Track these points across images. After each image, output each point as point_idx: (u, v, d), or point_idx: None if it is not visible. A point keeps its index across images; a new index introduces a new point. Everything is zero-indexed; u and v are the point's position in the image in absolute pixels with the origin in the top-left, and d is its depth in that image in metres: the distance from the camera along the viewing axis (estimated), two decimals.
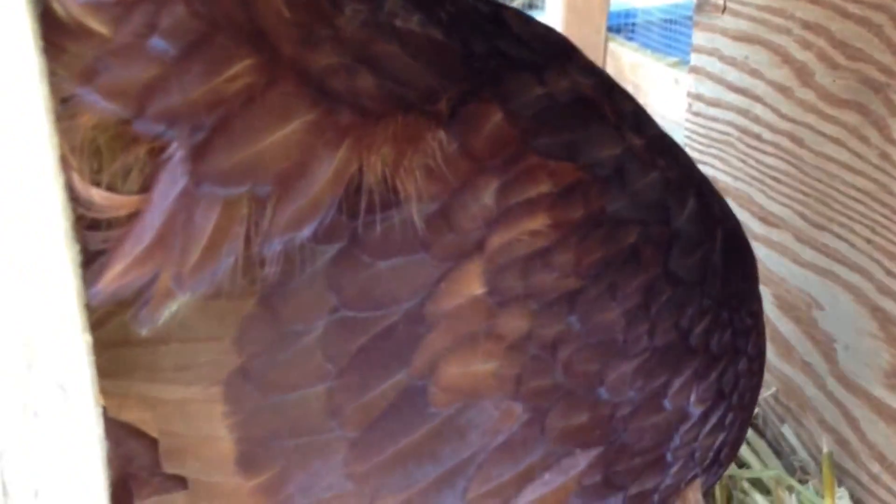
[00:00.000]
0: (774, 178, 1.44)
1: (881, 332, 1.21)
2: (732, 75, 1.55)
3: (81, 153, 0.63)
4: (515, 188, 0.73)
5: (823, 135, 1.31)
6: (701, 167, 1.62)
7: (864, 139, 1.23)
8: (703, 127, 1.65)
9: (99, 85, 0.61)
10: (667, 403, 0.81)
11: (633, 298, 0.78)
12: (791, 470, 1.36)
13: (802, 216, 1.37)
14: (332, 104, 0.68)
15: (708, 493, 1.24)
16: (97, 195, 0.62)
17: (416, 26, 0.73)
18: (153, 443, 0.72)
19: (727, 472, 1.25)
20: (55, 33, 0.58)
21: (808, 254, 1.36)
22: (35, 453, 0.52)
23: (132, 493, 0.72)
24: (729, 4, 1.55)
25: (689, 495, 0.90)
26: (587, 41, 2.24)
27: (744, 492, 1.31)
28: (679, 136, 1.71)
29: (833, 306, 1.31)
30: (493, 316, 0.73)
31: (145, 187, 0.64)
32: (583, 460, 0.77)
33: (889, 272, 1.19)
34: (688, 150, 1.67)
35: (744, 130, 1.52)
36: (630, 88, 2.44)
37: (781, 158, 1.42)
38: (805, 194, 1.36)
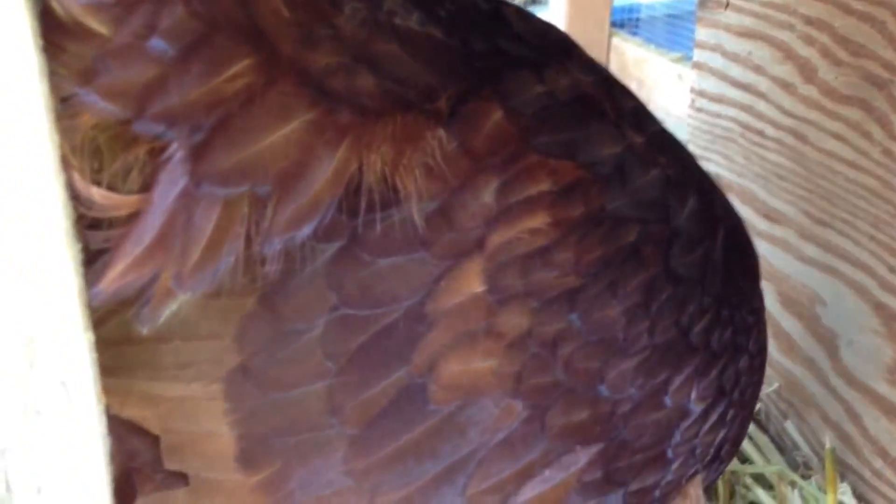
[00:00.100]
0: (777, 175, 1.44)
1: (884, 328, 1.21)
2: (735, 71, 1.54)
3: (82, 153, 0.63)
4: (515, 187, 0.73)
5: (826, 131, 1.31)
6: (704, 163, 1.61)
7: (867, 135, 1.22)
8: (706, 123, 1.65)
9: (98, 85, 0.61)
10: (667, 400, 0.81)
11: (634, 296, 0.77)
12: (794, 465, 1.36)
13: (805, 213, 1.37)
14: (331, 104, 0.67)
15: (710, 489, 1.24)
16: (98, 195, 0.63)
17: (415, 25, 0.73)
18: (155, 440, 0.72)
19: (729, 468, 1.25)
20: (55, 33, 0.59)
21: (811, 250, 1.36)
22: (37, 451, 0.52)
23: (136, 488, 0.72)
24: (732, 0, 1.54)
25: (691, 491, 0.90)
26: (591, 36, 2.24)
27: (746, 487, 1.31)
28: (682, 132, 1.71)
29: (836, 302, 1.31)
30: (493, 314, 0.72)
31: (145, 187, 0.64)
32: (583, 457, 0.77)
33: (892, 268, 1.18)
34: (690, 147, 1.67)
35: (747, 126, 1.52)
36: (634, 84, 2.43)
37: (784, 155, 1.42)
38: (808, 191, 1.36)
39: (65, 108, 0.61)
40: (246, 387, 0.70)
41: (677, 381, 0.81)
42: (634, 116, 0.83)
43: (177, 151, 0.63)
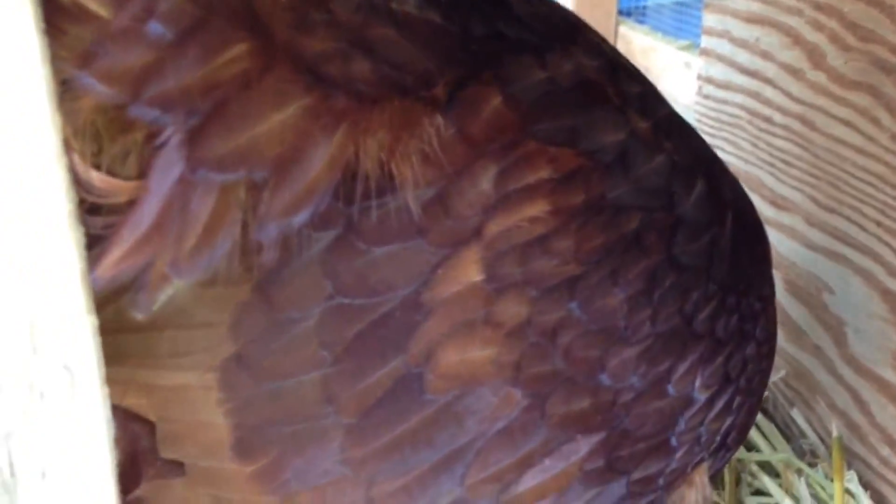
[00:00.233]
0: (785, 161, 1.43)
1: (891, 315, 1.19)
2: (743, 57, 1.53)
3: (82, 136, 0.63)
4: (514, 174, 0.72)
5: (834, 117, 1.30)
6: None
7: (875, 121, 1.21)
8: (714, 110, 1.64)
9: (96, 68, 0.61)
10: (670, 389, 0.80)
11: (636, 284, 0.76)
12: (800, 453, 1.35)
13: (813, 199, 1.36)
14: (327, 89, 0.67)
15: (716, 476, 1.24)
16: (97, 178, 0.62)
17: (413, 9, 0.72)
18: (152, 427, 0.71)
19: (736, 456, 1.24)
20: (55, 15, 0.58)
21: (819, 237, 1.35)
22: (42, 435, 0.52)
23: (141, 473, 0.72)
24: None
25: (696, 479, 0.89)
26: (597, 25, 2.23)
27: (752, 475, 1.30)
28: (689, 120, 1.70)
29: (843, 289, 1.30)
30: (492, 303, 0.72)
31: (143, 172, 0.64)
32: (584, 446, 0.77)
33: None
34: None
35: (754, 113, 1.51)
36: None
37: (792, 141, 1.41)
38: (816, 177, 1.35)
39: (65, 91, 0.60)
40: (241, 376, 0.70)
41: (681, 369, 0.80)
42: (641, 101, 0.82)
43: (173, 136, 0.63)
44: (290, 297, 0.69)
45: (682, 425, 0.83)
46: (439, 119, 0.70)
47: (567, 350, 0.75)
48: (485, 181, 0.71)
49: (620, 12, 2.40)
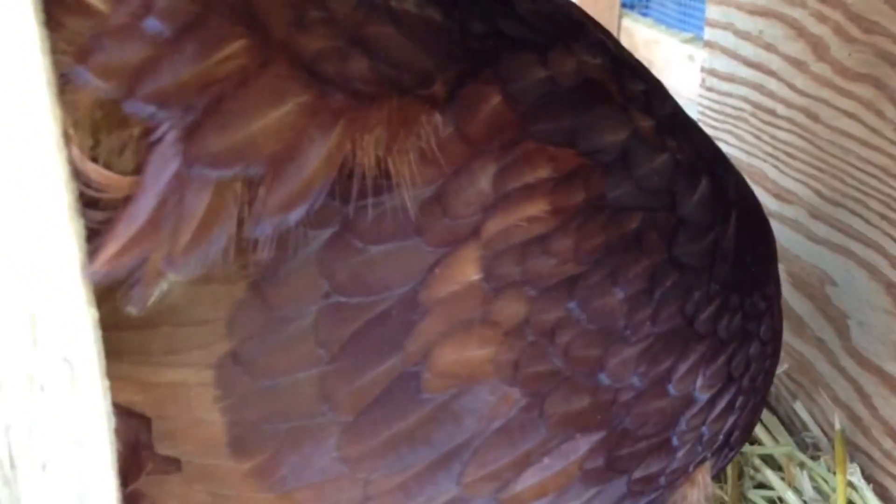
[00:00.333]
0: (788, 154, 1.42)
1: (895, 307, 1.20)
2: (747, 50, 1.52)
3: (79, 130, 0.63)
4: (513, 173, 0.72)
5: (838, 109, 1.29)
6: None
7: (879, 114, 1.20)
8: (717, 102, 1.63)
9: (93, 63, 0.60)
10: (671, 388, 0.79)
11: (636, 284, 0.76)
12: (803, 446, 1.34)
13: (817, 192, 1.35)
14: (325, 87, 0.66)
15: (719, 474, 1.24)
16: (93, 171, 0.62)
17: (412, 7, 0.71)
18: (149, 423, 0.71)
19: None
20: (54, 8, 0.58)
21: (822, 230, 1.34)
22: (42, 427, 0.52)
23: (141, 465, 0.72)
24: None
25: (699, 478, 0.88)
26: (600, 18, 2.22)
27: (755, 468, 1.29)
28: (692, 113, 1.69)
29: (847, 282, 1.29)
30: (490, 302, 0.71)
31: (139, 167, 0.63)
32: (584, 445, 0.76)
33: None
34: (701, 126, 1.65)
35: (758, 105, 1.50)
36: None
37: (796, 134, 1.40)
38: (819, 170, 1.34)
39: (62, 84, 0.60)
40: (237, 373, 0.69)
41: (682, 368, 0.80)
42: (644, 99, 0.81)
43: (169, 132, 0.62)
44: (286, 294, 0.69)
45: (683, 425, 0.82)
46: (437, 117, 0.70)
47: (566, 349, 0.74)
48: (483, 180, 0.71)
49: (623, 5, 2.39)
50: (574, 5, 0.87)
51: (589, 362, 0.75)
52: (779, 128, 1.44)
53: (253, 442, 0.71)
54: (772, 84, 1.45)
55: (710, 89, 1.65)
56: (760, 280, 0.89)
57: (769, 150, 1.47)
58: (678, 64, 2.10)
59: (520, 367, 0.73)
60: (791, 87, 1.40)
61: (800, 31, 1.37)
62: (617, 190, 0.76)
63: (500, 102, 0.72)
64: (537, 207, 0.72)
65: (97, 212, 0.63)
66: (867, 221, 1.24)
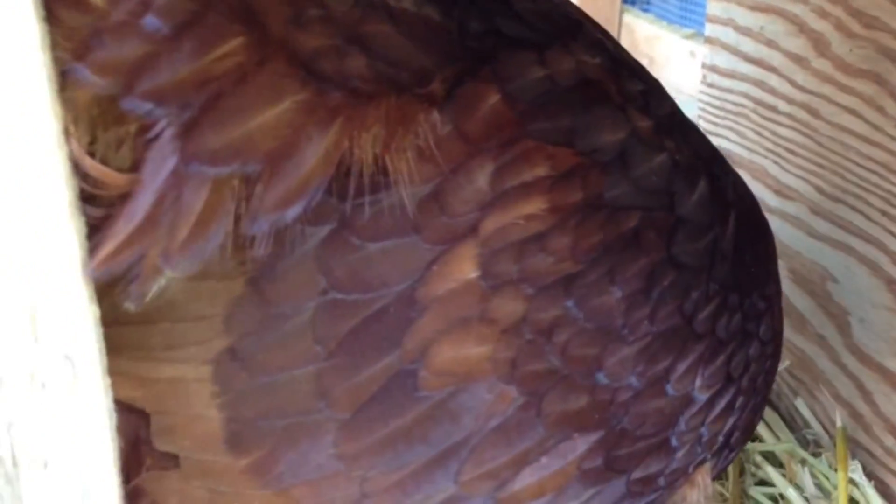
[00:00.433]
0: (789, 150, 1.41)
1: None
2: (747, 46, 1.52)
3: (79, 126, 0.62)
4: (511, 171, 0.72)
5: (839, 105, 1.28)
6: (715, 139, 1.59)
7: (880, 110, 1.19)
8: (718, 98, 1.63)
9: (91, 60, 0.60)
10: (670, 388, 0.79)
11: (634, 283, 0.75)
12: (804, 443, 1.33)
13: (817, 188, 1.35)
14: (322, 84, 0.66)
15: (719, 472, 1.24)
16: (92, 167, 0.62)
17: (410, 6, 0.71)
18: (148, 419, 0.71)
19: None
20: (54, 4, 0.58)
21: (823, 226, 1.34)
22: (43, 425, 0.52)
23: (142, 461, 0.72)
24: None
25: (698, 479, 0.87)
26: (601, 14, 2.21)
27: (756, 465, 1.29)
28: (693, 110, 1.69)
29: (848, 279, 1.29)
30: (487, 300, 0.71)
31: (136, 164, 0.63)
32: (582, 445, 0.76)
33: None
34: (702, 122, 1.65)
35: (759, 102, 1.49)
36: (645, 61, 2.40)
37: (797, 130, 1.39)
38: (820, 166, 1.34)
39: (64, 79, 0.60)
40: (235, 369, 0.70)
41: (680, 368, 0.79)
42: (643, 99, 0.81)
43: (166, 129, 0.62)
44: (283, 291, 0.69)
45: (682, 425, 0.82)
46: (436, 115, 0.70)
47: (563, 348, 0.74)
48: (481, 178, 0.71)
49: (624, 1, 2.38)
50: (572, 4, 0.86)
51: (586, 361, 0.75)
52: (780, 124, 1.43)
53: (250, 438, 0.71)
54: (773, 80, 1.44)
55: (711, 85, 1.65)
56: (760, 280, 0.89)
57: (770, 146, 1.46)
58: (679, 60, 2.09)
59: (517, 366, 0.72)
60: (792, 83, 1.39)
61: (801, 28, 1.36)
62: (615, 189, 0.75)
63: (498, 101, 0.72)
64: (535, 205, 0.72)
65: (95, 208, 0.63)
66: (868, 218, 1.23)
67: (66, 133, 0.49)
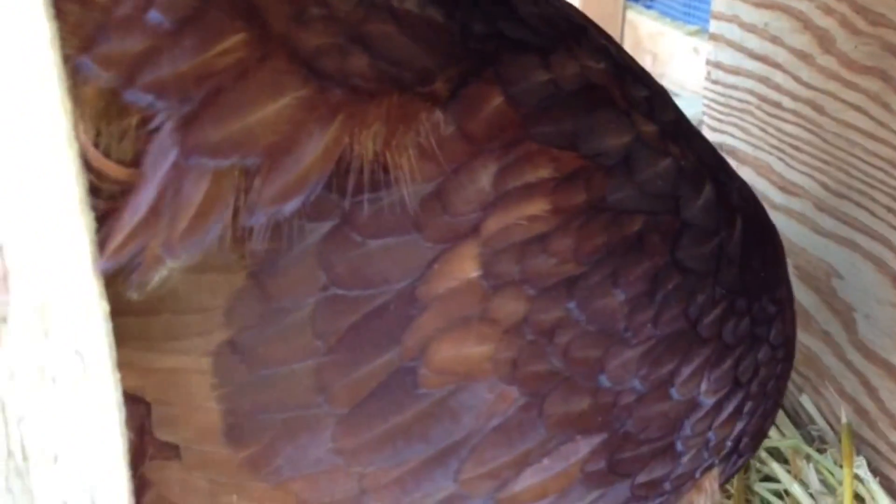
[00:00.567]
0: (794, 147, 1.41)
1: None
2: (752, 42, 1.51)
3: (85, 120, 0.63)
4: (514, 172, 0.71)
5: (844, 102, 1.27)
6: (719, 136, 1.59)
7: (885, 106, 1.18)
8: (723, 95, 1.62)
9: (96, 54, 0.61)
10: (674, 392, 0.78)
11: (637, 286, 0.75)
12: (809, 439, 1.32)
13: (823, 185, 1.34)
14: (324, 82, 0.66)
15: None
16: (96, 160, 0.63)
17: (413, 7, 0.71)
18: (149, 408, 0.72)
19: None
20: (61, 0, 0.58)
21: (829, 223, 1.33)
22: (53, 419, 0.52)
23: (145, 451, 0.73)
24: None
25: (706, 485, 0.86)
26: (605, 11, 2.21)
27: (761, 461, 1.28)
28: (697, 107, 1.69)
29: (853, 275, 1.28)
30: (488, 299, 0.71)
31: (137, 156, 0.64)
32: (584, 447, 0.75)
33: None
34: (706, 119, 1.64)
35: (764, 98, 1.49)
36: (648, 58, 2.39)
37: (802, 126, 1.39)
38: (825, 163, 1.33)
39: (71, 73, 0.60)
40: (235, 362, 0.70)
41: (685, 372, 0.78)
42: (647, 105, 0.80)
43: (167, 122, 0.63)
44: (284, 286, 0.69)
45: (688, 429, 0.81)
46: (438, 115, 0.70)
47: (565, 350, 0.73)
48: (484, 178, 0.71)
49: None
50: (576, 9, 0.85)
51: (588, 363, 0.74)
52: (785, 120, 1.43)
53: (249, 431, 0.71)
54: (777, 77, 1.44)
55: (715, 82, 1.64)
56: (770, 284, 0.88)
57: (775, 142, 1.46)
58: (683, 56, 2.09)
59: (518, 366, 0.72)
60: (797, 79, 1.39)
61: (806, 24, 1.36)
62: (619, 193, 0.75)
63: (502, 102, 0.72)
64: (538, 206, 0.72)
65: (97, 201, 0.64)
66: (873, 214, 1.23)
67: (76, 129, 0.50)
